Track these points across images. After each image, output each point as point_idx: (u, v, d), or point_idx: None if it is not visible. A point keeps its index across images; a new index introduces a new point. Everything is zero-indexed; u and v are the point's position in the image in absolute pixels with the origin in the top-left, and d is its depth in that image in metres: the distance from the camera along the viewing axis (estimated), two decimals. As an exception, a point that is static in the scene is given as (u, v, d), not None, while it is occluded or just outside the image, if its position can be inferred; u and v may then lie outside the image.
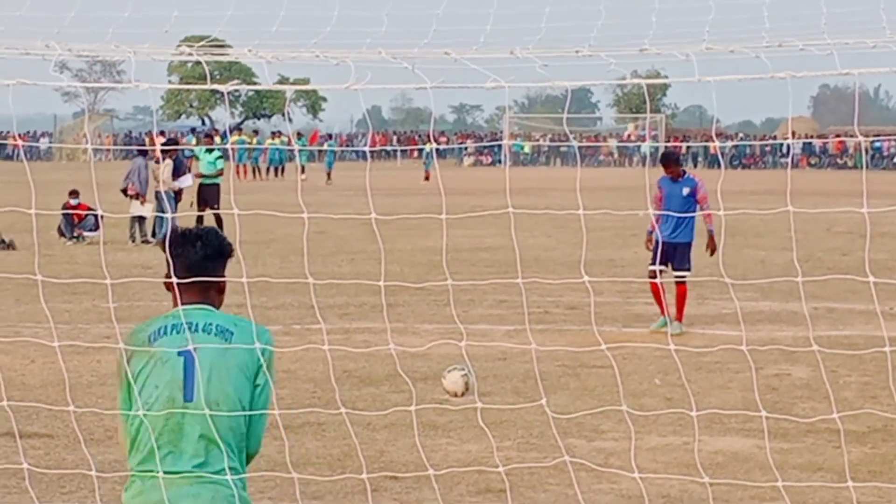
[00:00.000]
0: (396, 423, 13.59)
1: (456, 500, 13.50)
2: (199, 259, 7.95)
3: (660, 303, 25.03)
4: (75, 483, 13.20)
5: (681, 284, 25.15)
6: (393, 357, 12.19)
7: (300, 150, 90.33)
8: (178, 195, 42.55)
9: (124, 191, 43.61)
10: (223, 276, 8.14)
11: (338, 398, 10.95)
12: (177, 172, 46.06)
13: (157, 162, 44.19)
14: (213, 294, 8.06)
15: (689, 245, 25.42)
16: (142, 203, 43.59)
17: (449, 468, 13.88)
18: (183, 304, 7.96)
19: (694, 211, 25.17)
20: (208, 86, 9.55)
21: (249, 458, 8.18)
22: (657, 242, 24.24)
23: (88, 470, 11.22)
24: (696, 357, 19.90)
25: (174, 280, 7.97)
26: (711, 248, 25.25)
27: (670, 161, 26.62)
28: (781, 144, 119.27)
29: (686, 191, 25.55)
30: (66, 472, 12.89)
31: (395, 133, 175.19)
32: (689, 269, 25.16)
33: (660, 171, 26.99)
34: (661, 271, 24.30)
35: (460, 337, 14.03)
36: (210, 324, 7.79)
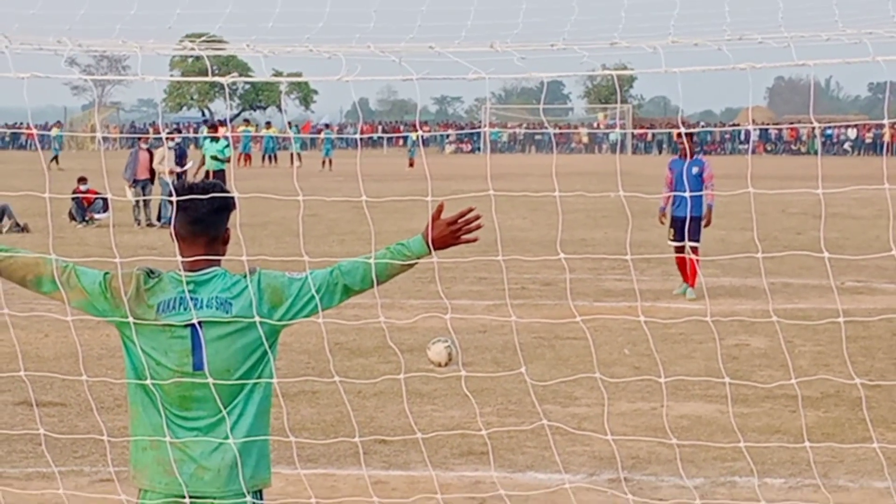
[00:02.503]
0: (385, 391, 13.67)
1: (441, 462, 13.56)
2: (206, 212, 7.82)
3: (683, 273, 26.20)
4: (87, 448, 13.19)
5: (695, 250, 25.68)
6: (382, 330, 12.22)
7: (295, 139, 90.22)
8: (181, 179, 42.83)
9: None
10: (227, 228, 8.12)
11: (331, 368, 10.98)
12: (181, 159, 46.43)
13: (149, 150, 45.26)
14: (218, 245, 8.02)
15: (700, 219, 26.44)
16: (128, 188, 44.36)
17: (434, 432, 13.93)
18: (190, 255, 7.91)
19: (701, 189, 26.24)
20: (209, 78, 9.54)
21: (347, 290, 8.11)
22: (675, 220, 26.34)
23: (100, 435, 11.21)
24: (663, 328, 19.98)
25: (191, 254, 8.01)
26: (707, 220, 26.58)
27: (686, 145, 27.48)
28: (740, 132, 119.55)
29: (696, 170, 26.96)
30: (78, 438, 12.89)
31: (380, 123, 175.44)
32: (699, 241, 26.13)
33: (628, 157, 27.69)
34: (682, 246, 25.44)
35: (444, 311, 13.98)
36: (212, 298, 7.80)
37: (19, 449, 13.49)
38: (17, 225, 38.97)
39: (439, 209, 7.80)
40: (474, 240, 7.82)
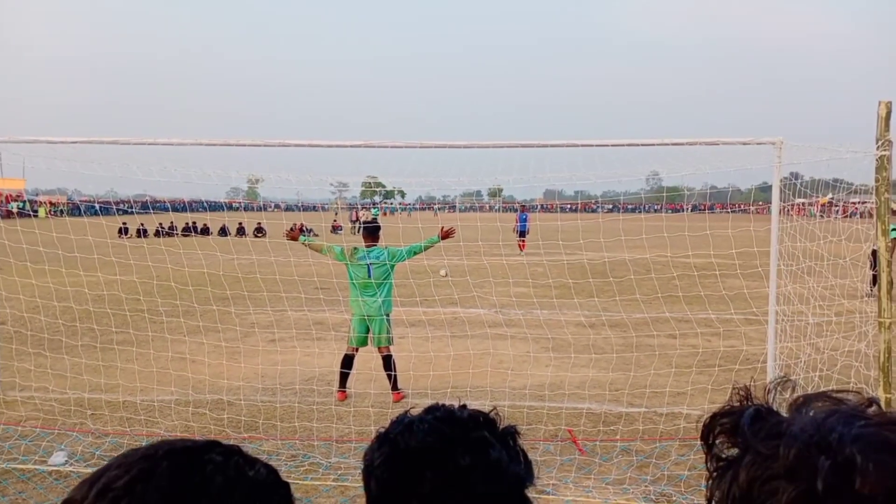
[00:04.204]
0: (427, 284, 13.60)
1: (443, 307, 13.27)
2: (372, 228, 8.08)
3: (520, 248, 26.26)
4: (336, 303, 12.90)
5: (524, 242, 26.44)
6: (426, 265, 12.25)
7: (401, 208, 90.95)
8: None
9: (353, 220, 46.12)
10: (379, 235, 8.08)
11: (410, 279, 10.98)
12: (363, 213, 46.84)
13: (358, 212, 45.66)
14: (376, 240, 8.05)
15: (525, 232, 27.03)
16: (350, 222, 45.25)
17: (441, 297, 13.90)
18: (367, 242, 8.03)
19: (527, 221, 27.75)
20: (372, 189, 9.52)
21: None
22: (518, 231, 27.16)
23: (339, 296, 11.19)
24: (512, 265, 19.83)
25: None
26: (528, 231, 27.26)
27: (522, 208, 29.51)
28: (536, 205, 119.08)
29: (525, 216, 28.07)
30: (334, 299, 12.72)
31: (425, 203, 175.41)
32: (525, 237, 26.66)
33: (501, 214, 27.78)
34: (520, 240, 26.52)
35: (444, 260, 14.08)
36: (374, 254, 7.93)
37: (310, 301, 13.31)
38: (314, 234, 39.75)
39: (442, 228, 7.99)
40: (453, 237, 7.99)
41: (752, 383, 0.82)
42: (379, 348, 8.08)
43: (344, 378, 8.09)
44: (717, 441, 0.78)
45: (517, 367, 9.12)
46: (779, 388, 0.82)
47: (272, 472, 0.85)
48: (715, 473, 0.76)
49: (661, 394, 7.93)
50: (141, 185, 9.00)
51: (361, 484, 1.11)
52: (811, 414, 0.74)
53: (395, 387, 8.04)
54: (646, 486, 5.62)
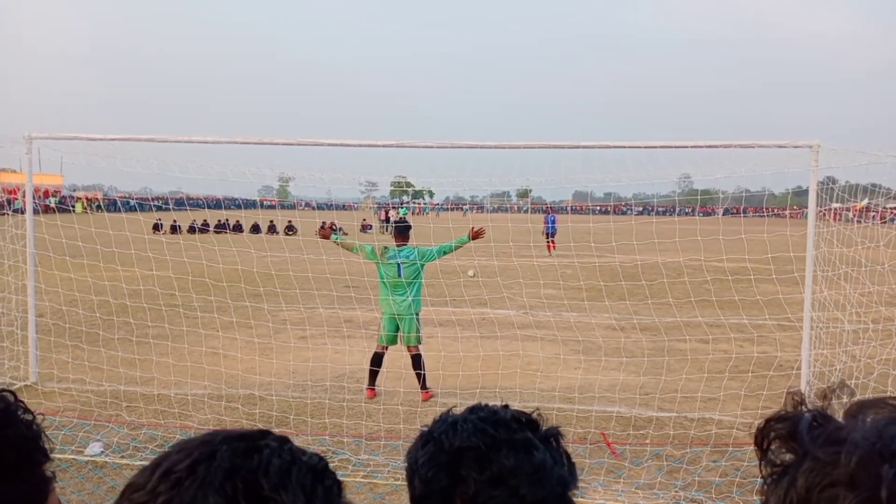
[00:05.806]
0: (456, 284, 13.56)
1: (472, 307, 13.24)
2: (403, 228, 8.10)
3: (549, 249, 25.93)
4: (364, 300, 12.89)
5: (553, 242, 26.30)
6: (455, 265, 12.20)
7: (430, 208, 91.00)
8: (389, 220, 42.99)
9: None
10: (409, 234, 8.12)
11: (440, 278, 10.96)
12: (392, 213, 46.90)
13: (388, 211, 45.63)
14: (407, 239, 8.09)
15: (554, 232, 26.78)
16: (379, 221, 45.49)
17: (470, 297, 13.83)
18: (398, 241, 8.07)
19: (555, 224, 27.18)
20: (402, 189, 9.53)
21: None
22: (546, 233, 26.74)
23: (369, 294, 11.20)
24: (541, 266, 19.68)
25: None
26: (555, 233, 26.85)
27: (549, 210, 29.54)
28: (565, 207, 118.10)
29: (553, 217, 27.68)
30: (362, 297, 12.67)
31: (454, 203, 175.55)
32: (554, 237, 26.45)
33: (530, 215, 27.88)
34: (549, 240, 26.26)
35: (473, 261, 14.02)
36: (405, 253, 7.95)
37: (341, 299, 13.06)
38: (344, 233, 39.73)
39: (472, 228, 7.93)
40: (483, 237, 7.95)
41: (808, 388, 0.81)
42: (408, 347, 8.10)
43: (373, 376, 8.11)
44: (772, 446, 0.76)
45: (546, 369, 9.04)
46: (835, 394, 0.80)
47: (322, 460, 0.91)
48: (770, 479, 0.75)
49: (693, 399, 7.82)
50: (176, 182, 9.14)
51: (391, 481, 1.13)
52: (870, 420, 0.73)
53: (423, 386, 8.04)
54: (676, 492, 5.55)
